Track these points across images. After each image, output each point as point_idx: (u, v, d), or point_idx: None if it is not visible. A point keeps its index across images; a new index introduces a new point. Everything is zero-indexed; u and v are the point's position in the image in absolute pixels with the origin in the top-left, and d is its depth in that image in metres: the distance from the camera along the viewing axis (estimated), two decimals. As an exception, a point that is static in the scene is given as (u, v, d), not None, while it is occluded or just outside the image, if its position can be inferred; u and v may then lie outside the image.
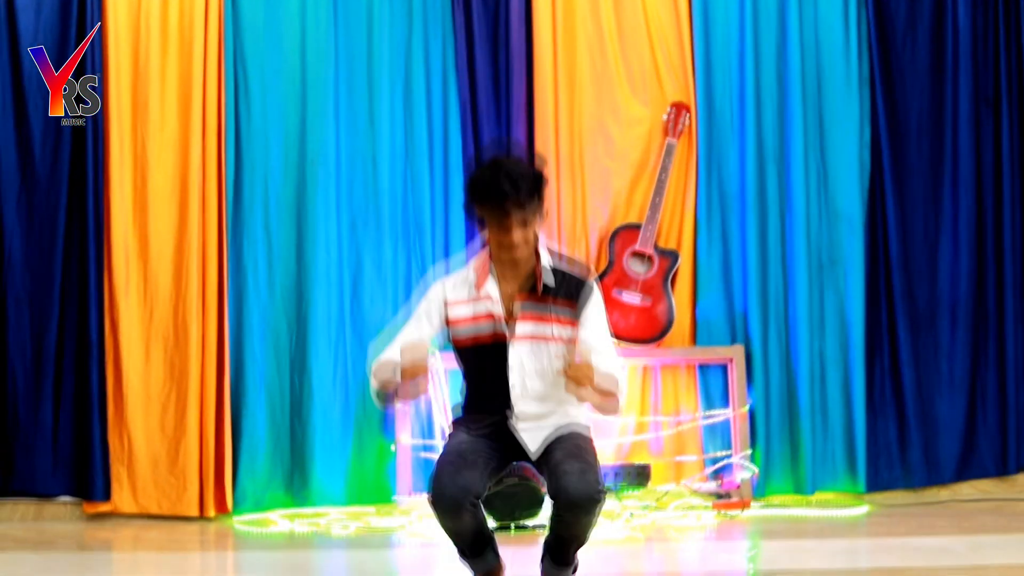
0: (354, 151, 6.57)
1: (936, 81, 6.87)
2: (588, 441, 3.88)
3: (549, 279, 3.90)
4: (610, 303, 6.33)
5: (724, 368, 6.62)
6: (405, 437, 6.34)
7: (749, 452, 6.46)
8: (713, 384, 6.68)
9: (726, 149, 6.74)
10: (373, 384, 3.81)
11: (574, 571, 3.93)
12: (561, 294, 3.89)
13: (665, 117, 6.69)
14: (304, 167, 6.50)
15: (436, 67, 6.65)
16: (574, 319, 3.89)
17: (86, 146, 6.37)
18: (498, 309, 3.88)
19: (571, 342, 3.85)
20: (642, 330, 6.52)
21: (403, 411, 6.34)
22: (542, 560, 3.89)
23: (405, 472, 6.33)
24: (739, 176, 6.73)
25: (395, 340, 3.93)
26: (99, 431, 6.32)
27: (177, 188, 6.45)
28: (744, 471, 6.41)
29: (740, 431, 6.46)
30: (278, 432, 6.44)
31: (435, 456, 6.25)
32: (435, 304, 3.94)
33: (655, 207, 6.58)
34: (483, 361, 3.90)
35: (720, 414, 6.56)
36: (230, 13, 6.48)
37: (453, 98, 6.64)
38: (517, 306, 3.88)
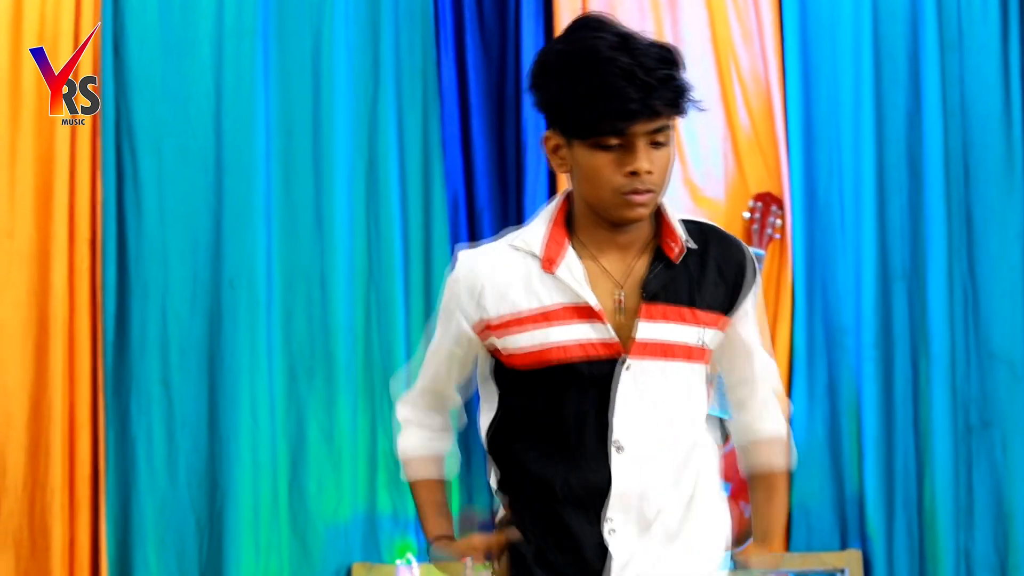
0: (293, 268, 5.31)
1: None
2: None
3: (689, 241, 2.53)
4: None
5: (833, 583, 5.44)
6: None
7: None
8: (819, 608, 5.54)
9: (835, 260, 5.59)
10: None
11: None
12: (710, 264, 2.54)
13: (747, 215, 5.46)
14: (220, 292, 5.24)
15: (414, 142, 5.37)
16: (724, 310, 2.54)
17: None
18: (592, 299, 2.47)
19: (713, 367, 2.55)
20: (716, 532, 4.93)
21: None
22: None
23: None
24: (854, 299, 5.58)
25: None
26: None
27: (33, 324, 5.20)
28: None
29: (859, 675, 5.14)
30: None
31: None
32: (462, 326, 2.54)
33: (733, 346, 5.19)
34: (561, 398, 2.48)
35: (829, 650, 5.22)
36: (111, 65, 5.11)
37: (438, 187, 5.34)
38: (635, 290, 2.49)
